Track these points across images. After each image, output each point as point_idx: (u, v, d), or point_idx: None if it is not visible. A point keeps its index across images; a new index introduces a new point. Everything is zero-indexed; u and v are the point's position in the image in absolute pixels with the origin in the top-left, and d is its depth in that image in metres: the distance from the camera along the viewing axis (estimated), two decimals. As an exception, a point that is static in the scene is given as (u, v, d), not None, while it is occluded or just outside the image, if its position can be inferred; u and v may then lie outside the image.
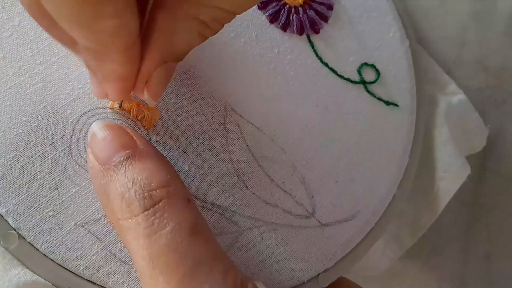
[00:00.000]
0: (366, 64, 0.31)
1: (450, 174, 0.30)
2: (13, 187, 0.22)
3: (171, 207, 0.19)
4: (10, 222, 0.22)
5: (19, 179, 0.22)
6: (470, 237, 0.35)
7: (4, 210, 0.22)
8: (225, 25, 0.20)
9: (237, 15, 0.19)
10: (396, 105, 0.31)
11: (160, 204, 0.19)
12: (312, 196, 0.27)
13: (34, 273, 0.22)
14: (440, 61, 0.36)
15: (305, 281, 0.26)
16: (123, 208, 0.20)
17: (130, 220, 0.19)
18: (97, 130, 0.21)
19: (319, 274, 0.26)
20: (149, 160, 0.21)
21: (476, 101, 0.35)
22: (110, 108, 0.24)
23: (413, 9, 0.36)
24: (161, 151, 0.25)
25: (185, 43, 0.20)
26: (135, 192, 0.19)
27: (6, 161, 0.22)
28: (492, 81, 0.36)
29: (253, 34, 0.28)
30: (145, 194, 0.19)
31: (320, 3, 0.31)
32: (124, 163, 0.20)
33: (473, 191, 0.36)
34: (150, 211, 0.19)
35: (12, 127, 0.23)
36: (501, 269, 0.35)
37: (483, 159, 0.36)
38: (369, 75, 0.31)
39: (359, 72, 0.30)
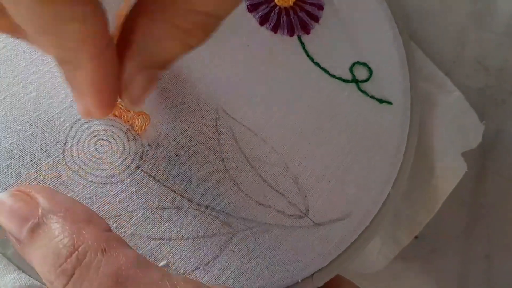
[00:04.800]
0: (358, 62, 0.31)
1: (447, 173, 0.30)
2: (9, 194, 0.23)
3: (88, 272, 0.18)
4: (6, 228, 0.22)
5: (15, 186, 0.23)
6: (470, 237, 0.35)
7: (1, 216, 0.22)
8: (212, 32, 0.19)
9: (222, 22, 0.19)
10: (390, 103, 0.31)
11: (75, 275, 0.18)
12: (305, 196, 0.27)
13: (31, 277, 0.22)
14: (440, 61, 0.36)
15: (299, 280, 0.26)
16: (48, 285, 0.19)
17: None
18: (3, 198, 0.20)
19: (313, 274, 0.26)
20: (53, 227, 0.19)
21: (476, 101, 0.35)
22: (102, 115, 0.25)
23: (413, 9, 0.36)
24: (153, 155, 0.25)
25: (168, 51, 0.19)
26: (49, 272, 0.18)
27: (2, 169, 0.23)
28: (492, 81, 0.36)
29: (244, 37, 0.29)
30: (57, 272, 0.18)
31: (311, 4, 0.31)
32: (30, 239, 0.19)
33: (473, 191, 0.35)
34: (69, 286, 0.18)
35: (7, 136, 0.23)
36: (501, 269, 0.34)
37: (483, 159, 0.35)
38: (361, 74, 0.31)
39: (351, 71, 0.30)
